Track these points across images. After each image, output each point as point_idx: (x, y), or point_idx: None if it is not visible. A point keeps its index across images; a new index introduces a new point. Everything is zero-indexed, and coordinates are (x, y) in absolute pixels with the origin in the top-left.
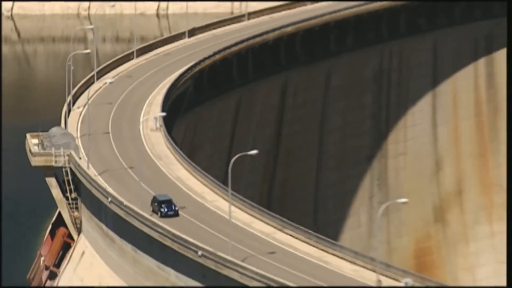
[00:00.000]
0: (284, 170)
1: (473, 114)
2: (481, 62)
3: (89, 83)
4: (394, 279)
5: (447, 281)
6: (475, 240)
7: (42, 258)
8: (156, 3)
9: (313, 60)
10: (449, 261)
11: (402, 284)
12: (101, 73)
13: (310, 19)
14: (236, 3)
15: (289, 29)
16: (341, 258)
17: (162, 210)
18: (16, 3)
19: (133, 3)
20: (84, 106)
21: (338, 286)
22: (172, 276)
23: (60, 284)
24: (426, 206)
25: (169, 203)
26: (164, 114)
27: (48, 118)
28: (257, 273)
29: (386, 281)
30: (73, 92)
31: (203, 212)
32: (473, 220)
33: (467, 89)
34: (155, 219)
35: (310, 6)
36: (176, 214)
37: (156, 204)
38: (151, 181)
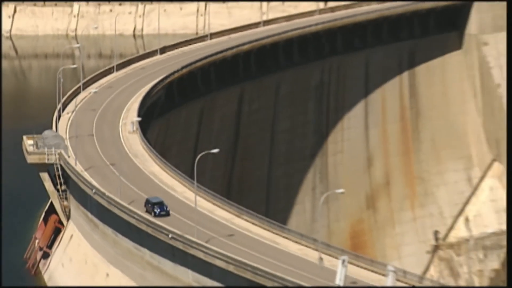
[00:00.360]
0: (241, 166)
1: (398, 118)
2: (405, 75)
3: (76, 93)
4: (333, 256)
5: (377, 257)
6: (400, 223)
7: (37, 241)
8: (133, 25)
9: (265, 73)
10: (378, 241)
11: (340, 261)
12: (86, 85)
13: (262, 38)
14: (200, 25)
15: (245, 47)
16: (289, 239)
17: (156, 211)
18: (14, 26)
19: (113, 26)
20: (72, 112)
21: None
22: (147, 255)
23: (52, 263)
24: (360, 196)
25: (161, 204)
26: (139, 119)
27: (41, 123)
28: (219, 252)
29: (326, 258)
30: (62, 100)
31: (173, 202)
32: (398, 207)
33: (393, 97)
34: (132, 207)
35: (261, 28)
36: (167, 214)
37: (149, 205)
38: (129, 176)
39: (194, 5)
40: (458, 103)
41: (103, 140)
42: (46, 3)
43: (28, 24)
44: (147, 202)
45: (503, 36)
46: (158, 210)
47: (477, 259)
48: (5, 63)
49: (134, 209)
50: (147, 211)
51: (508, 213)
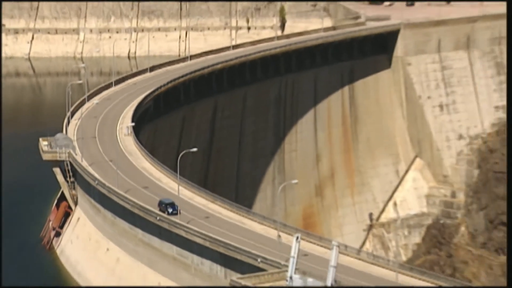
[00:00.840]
0: (215, 161)
1: (341, 123)
2: (346, 89)
3: (81, 104)
4: (289, 234)
5: (324, 234)
6: (342, 207)
7: (51, 222)
8: (127, 49)
9: (234, 87)
10: (325, 222)
11: (294, 238)
12: (90, 97)
13: (232, 59)
14: (182, 49)
15: (218, 66)
16: (254, 220)
17: (168, 210)
18: (32, 50)
19: (112, 49)
20: (79, 119)
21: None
22: (139, 234)
23: (63, 240)
24: (310, 185)
25: (172, 205)
26: (133, 124)
27: (54, 127)
28: (197, 231)
29: (284, 236)
30: (71, 109)
31: (160, 191)
32: (341, 194)
33: (336, 107)
34: (127, 195)
35: (231, 51)
36: (178, 213)
37: (163, 205)
38: (125, 170)
39: (177, 33)
40: (388, 111)
41: (104, 141)
42: (58, 31)
43: (43, 48)
44: (161, 203)
45: (423, 58)
46: (171, 209)
47: (403, 235)
48: (24, 80)
49: (129, 197)
50: (160, 210)
51: (508, 214)
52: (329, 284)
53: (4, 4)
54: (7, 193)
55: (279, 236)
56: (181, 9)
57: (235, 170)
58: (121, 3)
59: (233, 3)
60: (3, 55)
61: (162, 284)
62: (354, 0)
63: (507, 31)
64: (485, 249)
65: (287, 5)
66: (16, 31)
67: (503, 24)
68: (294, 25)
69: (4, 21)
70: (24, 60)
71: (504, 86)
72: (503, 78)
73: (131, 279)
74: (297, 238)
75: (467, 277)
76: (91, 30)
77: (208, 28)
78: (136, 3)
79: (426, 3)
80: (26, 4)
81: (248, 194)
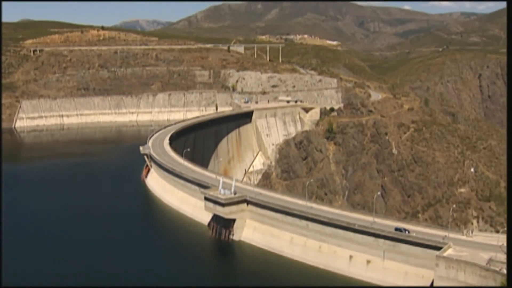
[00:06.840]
0: (196, 153)
1: (235, 140)
2: (237, 129)
3: (152, 135)
4: (219, 175)
5: (232, 176)
6: (236, 168)
7: (143, 173)
8: (166, 118)
9: (201, 129)
10: (231, 173)
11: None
12: (155, 133)
13: (200, 120)
14: (183, 117)
15: (196, 122)
16: (208, 171)
17: (405, 232)
18: (137, 119)
19: (161, 118)
20: (152, 139)
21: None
22: (173, 176)
23: (148, 179)
24: (226, 160)
25: (403, 229)
26: (169, 141)
27: (143, 142)
28: (189, 176)
29: (218, 177)
30: (149, 136)
31: (177, 163)
32: (235, 163)
33: (234, 135)
34: (167, 163)
35: (201, 118)
36: (408, 232)
37: (398, 229)
38: (166, 156)
39: (182, 112)
40: (250, 137)
41: (159, 147)
42: (146, 112)
43: (140, 118)
44: (396, 228)
45: (261, 119)
46: (406, 232)
47: (256, 176)
48: (134, 128)
49: (167, 164)
50: (396, 230)
51: (508, 213)
52: (232, 191)
53: (124, 100)
54: (131, 163)
55: (216, 177)
56: (184, 104)
57: (201, 156)
58: (166, 102)
59: (202, 102)
60: (128, 121)
61: (180, 195)
62: None
63: (507, 32)
64: (281, 180)
65: (218, 103)
66: (132, 112)
67: (284, 110)
68: (221, 109)
69: (129, 109)
70: (134, 122)
71: (285, 128)
72: (285, 126)
73: (170, 192)
74: (222, 177)
75: (274, 189)
76: (155, 111)
77: (193, 110)
78: (168, 100)
79: (264, 101)
80: (135, 102)
81: (206, 163)
